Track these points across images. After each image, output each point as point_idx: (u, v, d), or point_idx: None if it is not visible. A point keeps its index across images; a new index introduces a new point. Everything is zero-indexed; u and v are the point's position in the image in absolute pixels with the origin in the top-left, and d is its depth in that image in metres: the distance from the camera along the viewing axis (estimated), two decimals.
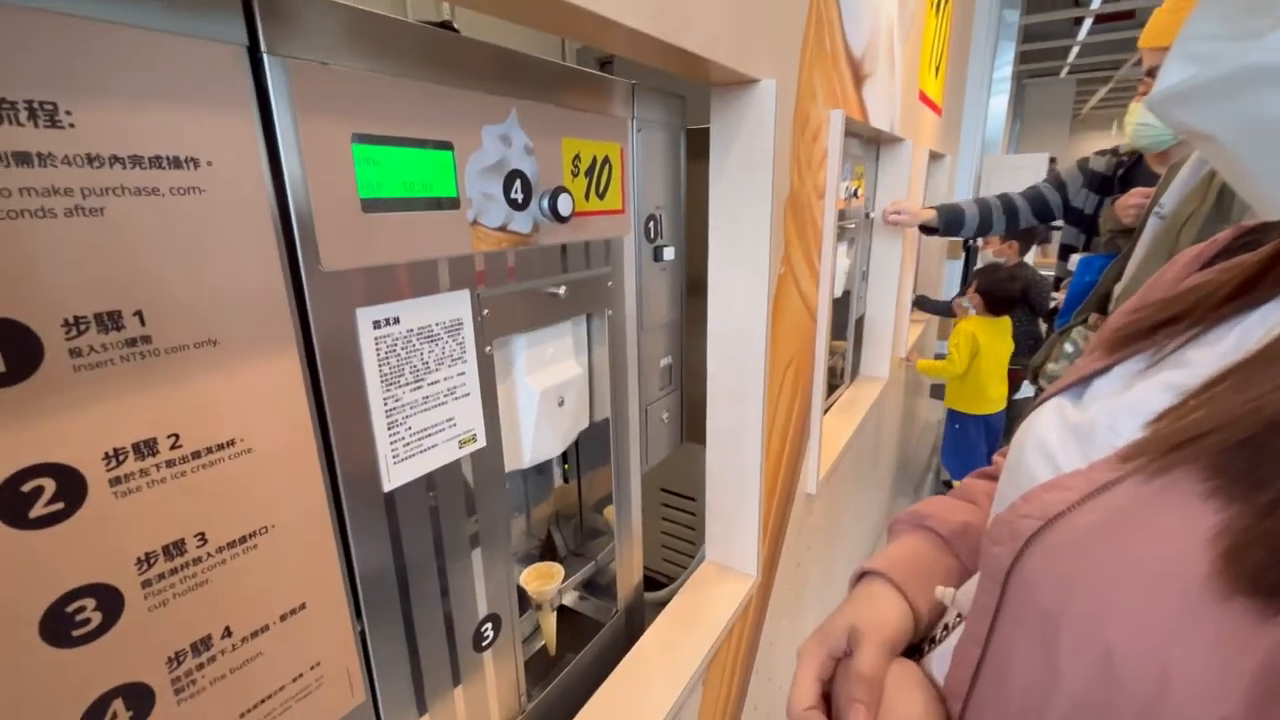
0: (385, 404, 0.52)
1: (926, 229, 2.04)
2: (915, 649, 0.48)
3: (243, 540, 0.44)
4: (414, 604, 0.58)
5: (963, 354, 2.45)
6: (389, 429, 0.53)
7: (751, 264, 0.93)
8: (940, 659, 0.44)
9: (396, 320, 0.52)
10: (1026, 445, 0.41)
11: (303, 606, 0.49)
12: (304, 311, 0.46)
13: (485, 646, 0.68)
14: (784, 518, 1.25)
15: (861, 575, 0.56)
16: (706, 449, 1.06)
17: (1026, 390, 2.71)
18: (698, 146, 0.94)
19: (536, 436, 0.72)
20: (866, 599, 0.50)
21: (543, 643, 0.89)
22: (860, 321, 2.11)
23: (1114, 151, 1.82)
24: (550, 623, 0.87)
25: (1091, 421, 0.37)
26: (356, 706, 0.55)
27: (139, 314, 0.37)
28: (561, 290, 0.69)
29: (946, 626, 0.46)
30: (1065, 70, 9.07)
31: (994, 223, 2.03)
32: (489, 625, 0.68)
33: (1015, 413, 2.79)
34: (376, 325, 0.51)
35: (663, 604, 1.02)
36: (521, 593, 0.91)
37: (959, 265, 4.58)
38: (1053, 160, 5.34)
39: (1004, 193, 2.03)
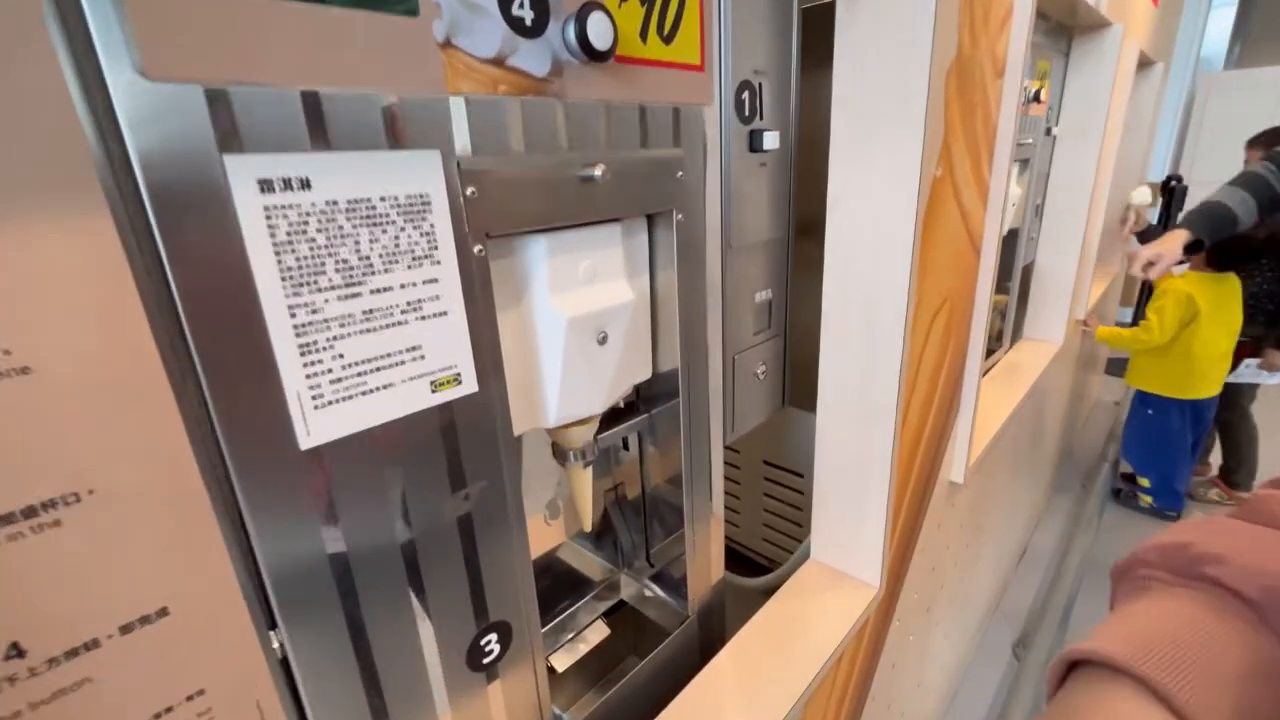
0: (292, 315, 0.34)
1: (1189, 249, 1.59)
2: None
3: (31, 512, 0.28)
4: (365, 611, 0.41)
5: (1168, 320, 1.86)
6: (301, 355, 0.35)
7: (895, 155, 0.65)
8: None
9: (305, 184, 0.33)
10: None
11: (162, 613, 0.32)
12: (123, 148, 0.28)
13: (488, 664, 0.50)
14: (919, 512, 0.96)
15: (1071, 667, 0.31)
16: (818, 417, 0.81)
17: (1249, 374, 2.04)
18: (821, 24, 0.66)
19: (565, 384, 0.52)
20: None
21: (586, 650, 0.70)
22: (1028, 270, 1.68)
23: None
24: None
25: None
26: None
27: None
28: (598, 171, 0.47)
29: None
30: None
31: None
32: (492, 637, 0.50)
33: (1232, 399, 2.14)
34: (267, 187, 0.32)
35: (759, 592, 0.80)
36: (542, 578, 0.73)
37: (1154, 212, 3.72)
38: None
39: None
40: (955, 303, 0.89)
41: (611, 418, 0.67)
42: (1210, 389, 1.98)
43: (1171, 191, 3.53)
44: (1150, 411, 2.10)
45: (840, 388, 0.77)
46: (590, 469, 0.63)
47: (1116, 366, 3.81)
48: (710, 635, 0.78)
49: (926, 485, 0.97)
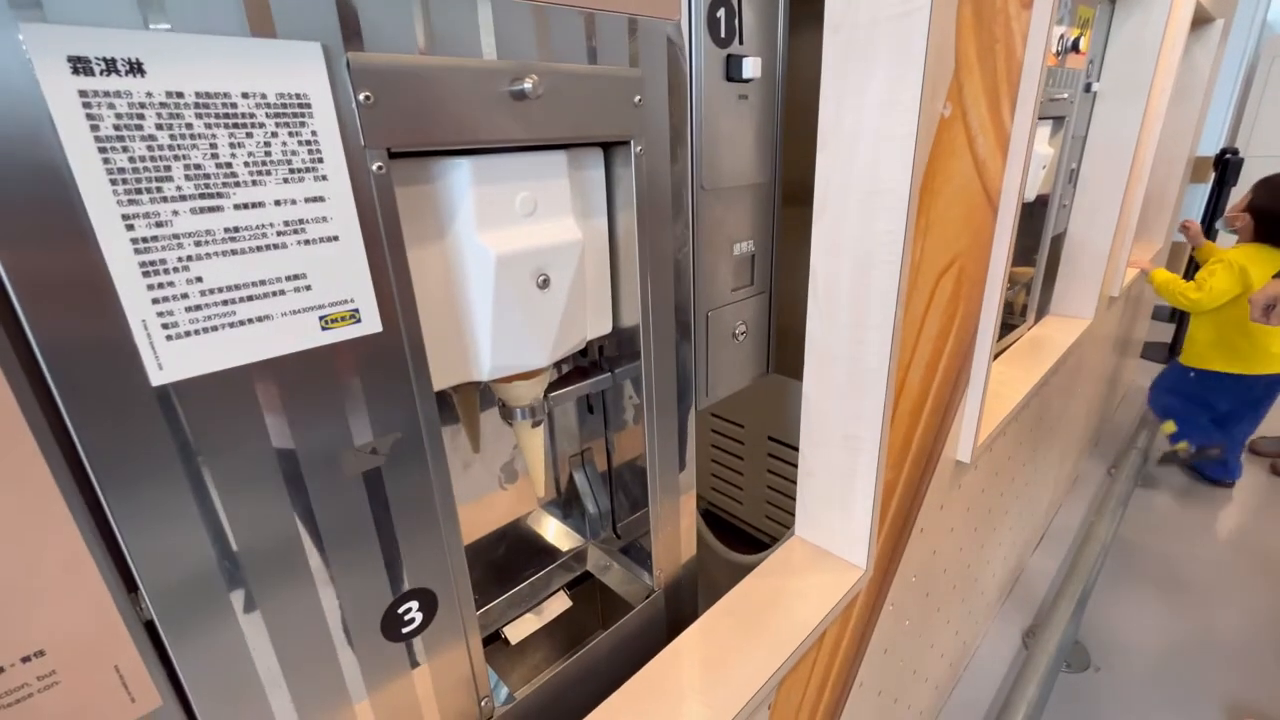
0: (130, 227, 0.29)
1: None
2: None
3: None
4: (248, 572, 0.37)
5: (1217, 286, 1.74)
6: (146, 275, 0.30)
7: (891, 86, 0.57)
8: None
9: (135, 68, 0.28)
10: None
11: None
12: None
13: (408, 634, 0.46)
14: (917, 491, 0.90)
15: None
16: (804, 383, 0.74)
17: None
18: None
19: (498, 332, 0.46)
20: None
21: (543, 622, 0.66)
22: (1058, 241, 1.57)
23: None
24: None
25: None
26: (147, 715, 0.35)
27: None
28: (529, 85, 0.41)
29: None
30: None
31: None
32: (413, 605, 0.46)
33: None
34: (82, 68, 0.27)
35: (749, 569, 0.75)
36: (499, 545, 0.69)
37: (1204, 191, 3.48)
38: None
39: None
40: (966, 264, 0.81)
41: (574, 377, 0.62)
42: (1276, 362, 1.86)
43: (1226, 165, 3.28)
44: (1192, 375, 2.03)
45: (827, 351, 0.71)
46: (541, 430, 0.58)
47: (1153, 351, 3.62)
48: (681, 613, 0.73)
49: (928, 463, 0.90)
